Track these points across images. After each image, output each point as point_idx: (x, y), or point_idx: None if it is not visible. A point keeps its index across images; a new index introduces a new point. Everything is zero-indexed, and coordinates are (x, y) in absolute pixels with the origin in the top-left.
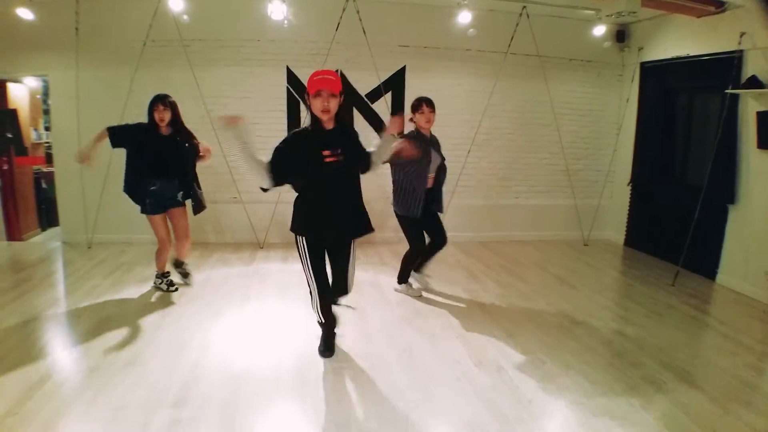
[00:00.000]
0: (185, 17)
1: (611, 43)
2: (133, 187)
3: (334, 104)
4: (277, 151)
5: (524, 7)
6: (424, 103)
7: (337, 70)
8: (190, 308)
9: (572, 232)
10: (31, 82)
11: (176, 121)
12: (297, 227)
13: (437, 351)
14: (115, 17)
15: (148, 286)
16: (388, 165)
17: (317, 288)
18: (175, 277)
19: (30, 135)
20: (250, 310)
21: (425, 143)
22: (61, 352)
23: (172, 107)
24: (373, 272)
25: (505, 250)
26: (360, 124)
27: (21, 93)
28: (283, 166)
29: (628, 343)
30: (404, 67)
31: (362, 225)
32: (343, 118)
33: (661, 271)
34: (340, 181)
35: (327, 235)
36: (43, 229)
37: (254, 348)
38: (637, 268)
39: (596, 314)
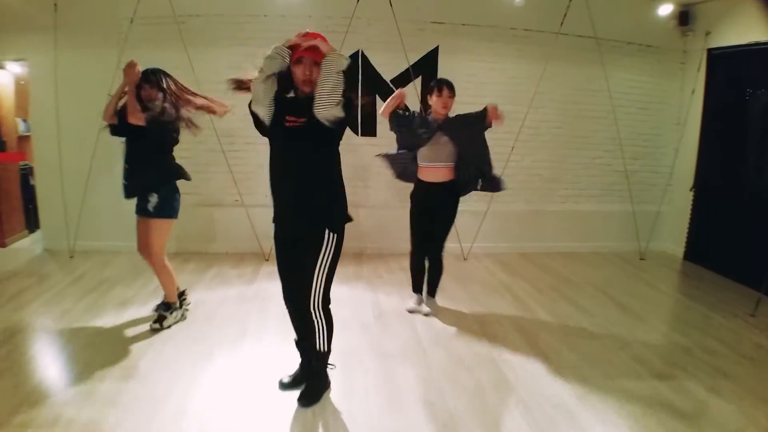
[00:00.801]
0: None
1: (675, 24)
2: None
3: (316, 73)
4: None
5: None
6: (445, 87)
7: (357, 51)
8: (173, 348)
9: (626, 243)
10: (16, 68)
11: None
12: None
13: (490, 424)
14: None
15: (127, 312)
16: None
17: (282, 284)
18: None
19: (16, 126)
20: (245, 352)
21: (427, 127)
22: None
23: (158, 82)
24: (398, 296)
25: (553, 265)
26: None
27: (4, 79)
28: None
29: (727, 407)
30: (437, 47)
31: (321, 214)
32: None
33: (734, 296)
34: (299, 152)
35: (285, 217)
36: (31, 231)
37: (246, 412)
38: (706, 290)
39: (680, 361)
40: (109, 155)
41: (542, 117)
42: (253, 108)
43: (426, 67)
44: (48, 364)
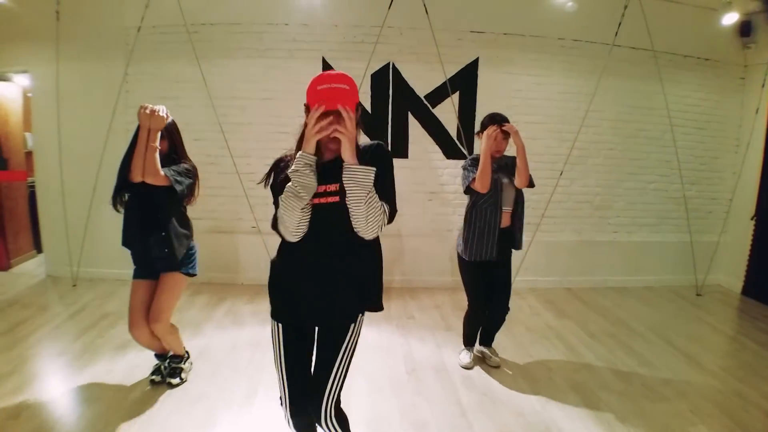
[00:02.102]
0: None
1: (735, 35)
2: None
3: (347, 127)
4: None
5: None
6: (492, 127)
7: (388, 63)
8: (169, 412)
9: (680, 277)
10: (23, 80)
11: (175, 149)
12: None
13: None
14: None
15: (125, 358)
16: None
17: (287, 391)
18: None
19: (24, 142)
20: (255, 417)
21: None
22: None
23: (170, 133)
24: (433, 344)
25: (603, 303)
26: (417, 134)
27: (11, 92)
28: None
29: None
30: (477, 59)
31: (358, 300)
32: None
33: None
34: (334, 231)
35: (307, 309)
36: (39, 251)
37: None
38: None
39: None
40: (113, 176)
41: (592, 137)
42: (281, 231)
43: (465, 82)
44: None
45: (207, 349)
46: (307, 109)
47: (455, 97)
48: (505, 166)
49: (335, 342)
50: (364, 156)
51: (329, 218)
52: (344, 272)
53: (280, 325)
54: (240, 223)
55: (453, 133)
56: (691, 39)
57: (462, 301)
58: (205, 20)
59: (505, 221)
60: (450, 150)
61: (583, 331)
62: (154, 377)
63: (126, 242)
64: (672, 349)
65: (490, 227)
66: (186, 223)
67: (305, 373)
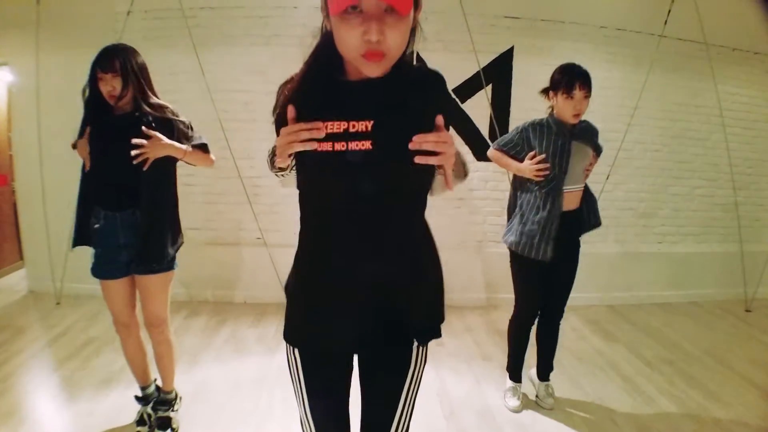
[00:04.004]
0: None
1: None
2: (78, 223)
3: (395, 37)
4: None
5: None
6: (577, 83)
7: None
8: None
9: (727, 290)
10: (7, 75)
11: (142, 97)
12: (286, 323)
13: None
14: None
15: (108, 397)
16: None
17: None
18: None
19: (9, 143)
20: None
21: (560, 137)
22: None
23: (128, 74)
24: (471, 378)
25: (651, 322)
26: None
27: None
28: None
29: None
30: (511, 48)
31: (428, 311)
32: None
33: None
34: (372, 200)
35: (342, 329)
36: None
37: None
38: None
39: None
40: None
41: (638, 137)
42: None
43: (498, 73)
44: None
45: (204, 386)
46: (325, 7)
47: (487, 90)
48: (581, 132)
49: (391, 372)
50: (413, 85)
51: (359, 175)
52: (394, 268)
53: (297, 351)
54: (243, 234)
55: (485, 131)
56: (740, 30)
57: (498, 322)
58: (203, 3)
59: (571, 203)
60: (481, 150)
61: (637, 357)
62: (140, 429)
63: (80, 229)
64: (737, 378)
65: (548, 218)
66: (175, 202)
67: (339, 416)
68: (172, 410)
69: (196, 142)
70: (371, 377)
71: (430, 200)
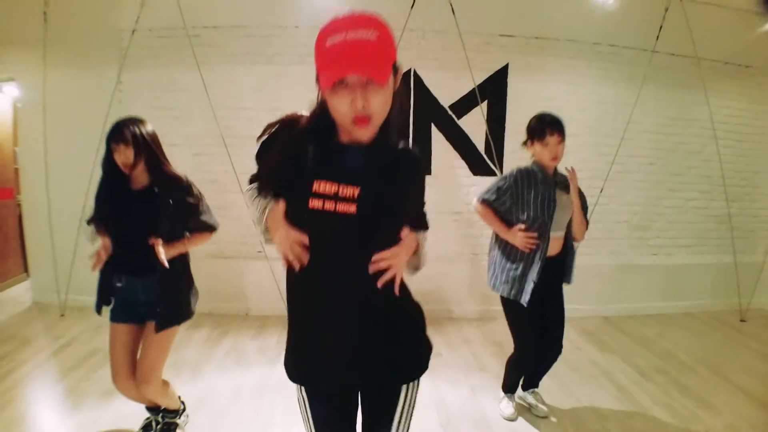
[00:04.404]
0: None
1: None
2: (100, 285)
3: (379, 103)
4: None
5: None
6: (548, 130)
7: (410, 69)
8: None
9: (721, 301)
10: (14, 90)
11: (154, 163)
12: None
13: None
14: None
15: (111, 406)
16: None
17: None
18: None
19: (14, 157)
20: None
21: (546, 186)
22: None
23: (139, 143)
24: (468, 388)
25: (645, 333)
26: (440, 148)
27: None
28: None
29: None
30: (506, 65)
31: (406, 356)
32: (393, 126)
33: None
34: (352, 255)
35: (332, 369)
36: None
37: None
38: None
39: None
40: None
41: (631, 151)
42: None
43: (493, 90)
44: None
45: (207, 396)
46: (317, 79)
47: (483, 106)
48: (562, 182)
49: (380, 411)
50: (397, 160)
51: (343, 234)
52: (376, 319)
53: (303, 389)
54: (245, 248)
55: (480, 146)
56: (732, 44)
57: (494, 334)
58: (207, 23)
59: (554, 248)
60: (477, 165)
61: (631, 367)
62: None
63: (101, 291)
64: (729, 386)
65: (530, 258)
66: (187, 262)
67: None
68: (178, 417)
69: (202, 217)
70: (366, 411)
71: (430, 214)
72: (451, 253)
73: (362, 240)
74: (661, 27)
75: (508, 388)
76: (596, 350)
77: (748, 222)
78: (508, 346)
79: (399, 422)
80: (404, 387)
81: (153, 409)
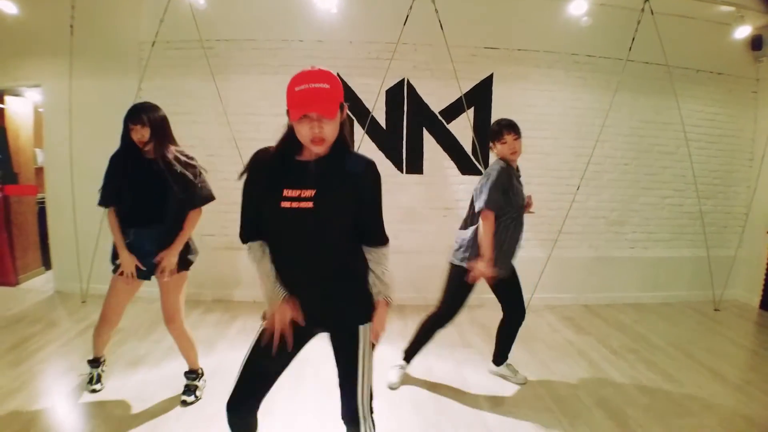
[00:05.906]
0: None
1: (747, 49)
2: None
3: (330, 130)
4: (246, 196)
5: (646, 0)
6: (504, 131)
7: (403, 79)
8: (183, 429)
9: (697, 292)
10: (35, 96)
11: (162, 142)
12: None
13: None
14: (118, 12)
15: (136, 375)
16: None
17: (235, 384)
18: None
19: (34, 157)
20: None
21: (517, 179)
22: None
23: (152, 125)
24: (453, 362)
25: (622, 319)
26: (431, 150)
27: (23, 108)
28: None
29: None
30: (491, 75)
31: (358, 306)
32: (344, 138)
33: None
34: (313, 243)
35: (307, 317)
36: (48, 268)
37: None
38: None
39: None
40: None
41: (608, 152)
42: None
43: (479, 97)
44: None
45: (220, 367)
46: (288, 114)
47: (470, 112)
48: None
49: (345, 351)
50: (352, 170)
51: (305, 223)
52: (333, 289)
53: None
54: None
55: (468, 148)
56: (703, 53)
57: (481, 317)
58: (220, 36)
59: None
60: (465, 165)
61: (605, 347)
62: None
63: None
64: (695, 364)
65: (513, 242)
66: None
67: (265, 378)
68: (197, 381)
69: (197, 191)
70: (336, 348)
71: (422, 210)
72: (441, 245)
73: (319, 227)
74: (633, 38)
75: (410, 354)
76: (573, 333)
77: (722, 218)
78: (492, 328)
79: (362, 358)
80: (360, 328)
81: (93, 360)
